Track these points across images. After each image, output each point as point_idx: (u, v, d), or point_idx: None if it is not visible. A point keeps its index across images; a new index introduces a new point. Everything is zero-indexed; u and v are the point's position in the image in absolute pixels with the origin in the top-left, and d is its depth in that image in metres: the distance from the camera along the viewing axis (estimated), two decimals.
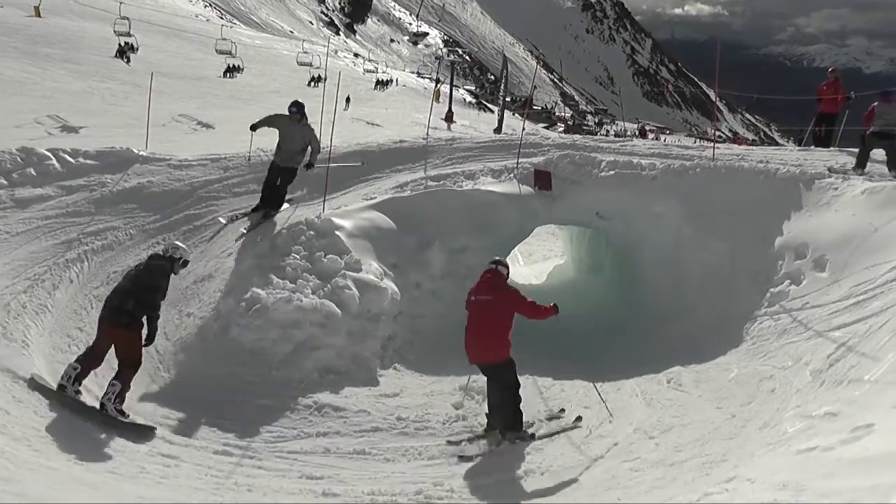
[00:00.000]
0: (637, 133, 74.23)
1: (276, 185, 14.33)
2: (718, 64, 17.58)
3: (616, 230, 15.24)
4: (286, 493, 8.05)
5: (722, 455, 7.56)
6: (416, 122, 38.52)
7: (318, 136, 14.29)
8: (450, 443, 9.30)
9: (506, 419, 9.20)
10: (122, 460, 8.36)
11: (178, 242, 10.70)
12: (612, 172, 15.42)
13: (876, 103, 14.88)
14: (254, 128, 14.41)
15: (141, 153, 16.17)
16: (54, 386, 9.20)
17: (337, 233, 12.61)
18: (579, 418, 9.68)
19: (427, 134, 18.82)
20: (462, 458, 8.90)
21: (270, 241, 12.70)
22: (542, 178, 15.53)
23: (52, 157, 15.12)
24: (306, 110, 14.00)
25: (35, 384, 9.20)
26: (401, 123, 40.22)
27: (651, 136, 74.76)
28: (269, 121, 14.32)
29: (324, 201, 14.20)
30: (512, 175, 15.96)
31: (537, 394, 10.88)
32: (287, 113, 14.06)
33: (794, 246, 11.81)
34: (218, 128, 27.09)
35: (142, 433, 9.02)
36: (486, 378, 9.49)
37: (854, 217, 11.31)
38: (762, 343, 10.65)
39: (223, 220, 14.01)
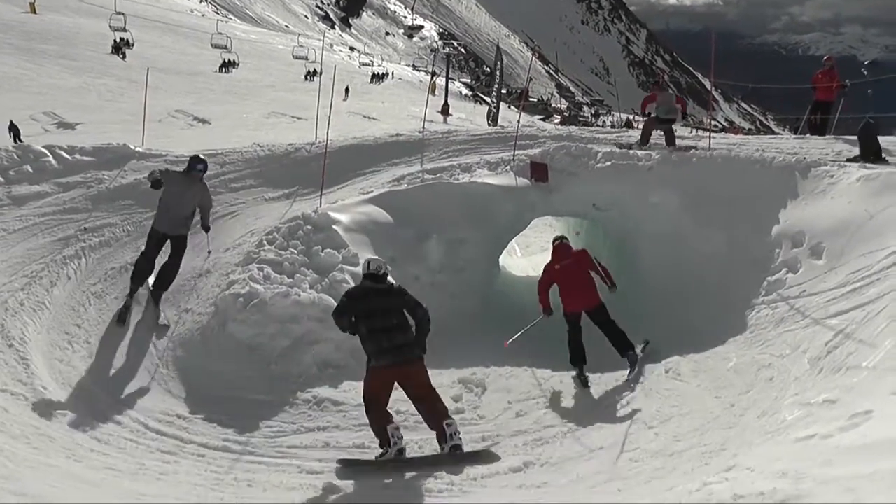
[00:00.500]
0: (623, 125, 74.30)
1: (164, 258, 12.24)
2: (713, 54, 17.55)
3: (613, 221, 15.23)
4: (286, 488, 8.04)
5: (721, 444, 7.57)
6: (413, 116, 38.57)
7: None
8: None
9: (624, 342, 11.12)
10: (121, 457, 8.37)
11: (373, 257, 9.62)
12: (609, 163, 15.40)
13: (655, 93, 17.79)
14: (157, 185, 12.10)
15: (137, 149, 16.17)
16: (376, 458, 8.49)
17: (334, 227, 12.61)
18: (647, 342, 11.60)
19: (423, 127, 18.84)
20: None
21: (268, 237, 12.68)
22: (538, 170, 15.51)
23: (48, 153, 15.14)
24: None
25: (356, 463, 8.50)
26: (397, 117, 40.25)
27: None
28: (164, 177, 12.19)
29: (321, 195, 14.21)
30: (508, 167, 15.96)
31: (536, 385, 10.90)
32: (182, 170, 12.45)
33: (790, 234, 11.80)
34: (214, 123, 27.15)
35: (489, 458, 8.58)
36: (570, 328, 11.45)
37: (850, 204, 11.30)
38: (760, 331, 10.64)
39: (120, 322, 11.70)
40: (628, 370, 10.85)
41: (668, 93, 17.90)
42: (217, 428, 9.40)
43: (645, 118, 18.18)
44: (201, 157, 12.57)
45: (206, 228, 12.69)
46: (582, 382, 10.88)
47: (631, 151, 15.83)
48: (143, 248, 12.17)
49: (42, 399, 9.32)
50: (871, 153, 13.77)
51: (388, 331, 8.56)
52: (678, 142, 17.01)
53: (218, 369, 10.60)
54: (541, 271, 11.90)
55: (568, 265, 11.51)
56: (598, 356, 11.57)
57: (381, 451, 8.39)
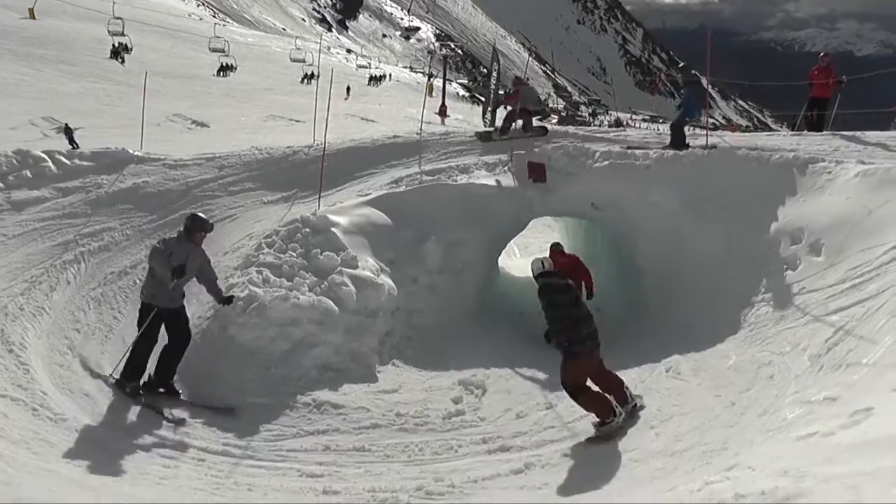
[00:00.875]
0: (613, 124, 74.42)
1: (167, 341, 10.37)
2: (709, 52, 17.54)
3: (611, 220, 15.20)
4: (287, 491, 8.05)
5: (722, 443, 7.57)
6: (410, 117, 38.55)
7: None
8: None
9: None
10: (121, 462, 8.37)
11: (537, 256, 10.06)
12: (607, 163, 15.38)
13: (518, 88, 18.85)
14: (180, 272, 10.01)
15: (136, 153, 16.19)
16: (600, 430, 9.06)
17: (333, 229, 12.58)
18: None
19: (421, 129, 18.82)
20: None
21: (266, 240, 12.66)
22: (536, 170, 15.49)
23: (47, 158, 15.17)
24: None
25: (598, 437, 8.98)
26: (394, 119, 40.23)
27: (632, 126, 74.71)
28: (169, 250, 10.14)
29: (319, 198, 14.19)
30: (506, 168, 15.93)
31: (536, 386, 10.90)
32: (179, 234, 10.45)
33: (789, 231, 11.78)
34: (212, 126, 27.14)
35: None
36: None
37: (848, 200, 11.28)
38: (760, 329, 10.64)
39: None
40: None
41: (530, 86, 19.01)
42: (217, 432, 9.39)
43: (508, 111, 18.84)
44: (202, 215, 10.82)
45: (227, 301, 10.88)
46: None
47: (628, 150, 15.78)
48: (137, 330, 10.28)
49: (42, 404, 9.31)
50: (678, 143, 15.94)
51: (583, 321, 9.15)
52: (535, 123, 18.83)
53: (217, 372, 10.58)
54: (530, 273, 12.63)
55: (566, 264, 13.22)
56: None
57: (608, 421, 8.96)
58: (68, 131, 18.96)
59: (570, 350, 9.00)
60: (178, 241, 10.31)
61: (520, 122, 18.19)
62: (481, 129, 18.40)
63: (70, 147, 17.09)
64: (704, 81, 17.75)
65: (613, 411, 8.98)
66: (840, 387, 6.83)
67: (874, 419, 5.30)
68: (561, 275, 9.63)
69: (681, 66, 17.72)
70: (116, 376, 10.21)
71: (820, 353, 8.41)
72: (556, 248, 14.46)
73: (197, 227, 10.41)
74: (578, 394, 9.12)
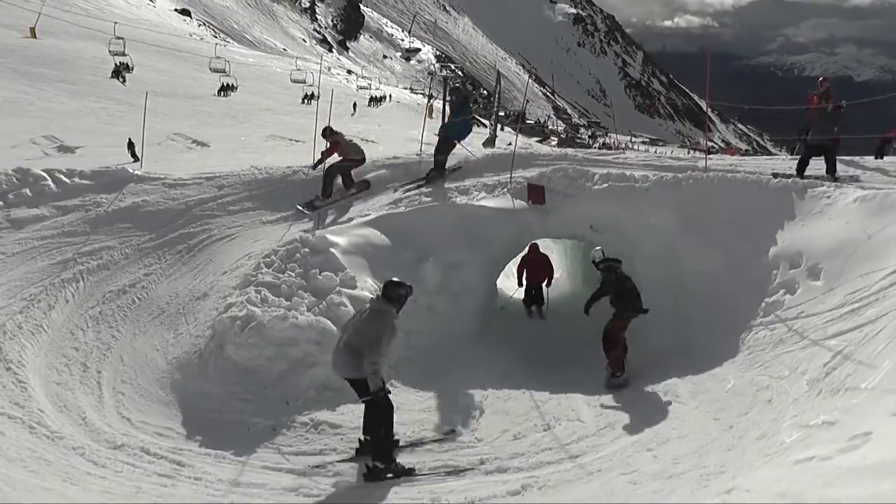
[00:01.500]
0: (600, 147, 74.77)
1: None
2: (709, 75, 17.61)
3: (610, 242, 15.17)
4: None
5: (720, 466, 7.54)
6: (410, 139, 38.59)
7: None
8: None
9: (541, 302, 17.02)
10: (117, 480, 8.34)
11: (598, 247, 12.95)
12: (606, 185, 15.39)
13: (338, 139, 17.27)
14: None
15: (136, 172, 16.21)
16: (613, 382, 11.93)
17: (332, 250, 12.60)
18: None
19: (420, 150, 18.84)
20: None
21: (265, 259, 12.68)
22: (535, 192, 15.51)
23: (47, 177, 15.20)
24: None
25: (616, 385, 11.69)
26: (394, 140, 40.28)
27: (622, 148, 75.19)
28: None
29: (318, 218, 14.20)
30: (505, 189, 15.94)
31: (534, 407, 10.86)
32: (386, 305, 8.95)
33: (788, 255, 11.81)
34: (213, 146, 27.15)
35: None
36: (527, 290, 17.15)
37: (847, 225, 11.33)
38: (758, 353, 10.64)
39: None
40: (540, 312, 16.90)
41: (346, 138, 17.12)
42: (214, 451, 9.36)
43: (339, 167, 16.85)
44: (404, 282, 9.33)
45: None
46: (528, 314, 16.94)
47: (627, 172, 15.76)
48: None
49: (39, 422, 9.30)
50: (441, 170, 17.29)
51: (637, 292, 12.00)
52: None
53: (215, 392, 10.56)
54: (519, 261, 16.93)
55: (539, 259, 16.77)
56: (595, 379, 11.59)
57: (618, 374, 11.97)
58: (131, 146, 19.09)
59: (623, 314, 11.91)
60: (393, 318, 8.99)
61: (340, 178, 16.71)
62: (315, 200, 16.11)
63: (132, 160, 17.26)
64: (704, 105, 17.82)
65: (623, 369, 11.92)
66: (839, 411, 6.83)
67: (873, 444, 5.29)
68: (616, 259, 12.39)
69: (454, 86, 17.73)
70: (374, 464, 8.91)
71: (818, 378, 8.42)
72: (533, 247, 16.68)
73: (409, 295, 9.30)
74: (612, 345, 11.94)
